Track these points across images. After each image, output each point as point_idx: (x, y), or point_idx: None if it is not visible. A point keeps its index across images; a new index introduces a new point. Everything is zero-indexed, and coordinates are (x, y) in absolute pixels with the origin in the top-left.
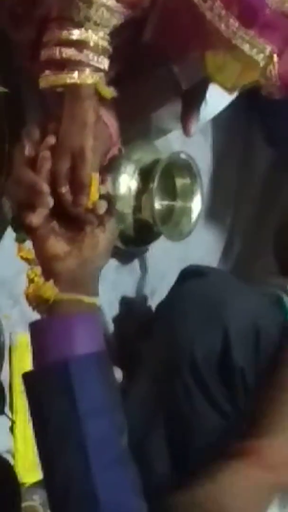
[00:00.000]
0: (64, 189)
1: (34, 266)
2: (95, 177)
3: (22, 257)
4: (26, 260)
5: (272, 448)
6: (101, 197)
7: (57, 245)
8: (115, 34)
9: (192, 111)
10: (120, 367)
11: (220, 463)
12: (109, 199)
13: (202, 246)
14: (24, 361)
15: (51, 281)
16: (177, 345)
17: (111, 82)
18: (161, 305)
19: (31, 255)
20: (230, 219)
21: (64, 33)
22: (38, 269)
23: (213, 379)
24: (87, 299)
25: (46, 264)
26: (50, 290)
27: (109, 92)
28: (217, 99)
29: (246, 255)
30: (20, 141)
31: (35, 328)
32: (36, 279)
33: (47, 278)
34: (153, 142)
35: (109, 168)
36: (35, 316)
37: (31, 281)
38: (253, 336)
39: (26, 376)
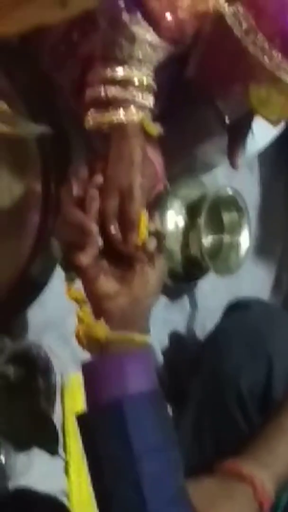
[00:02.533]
0: (114, 228)
1: (83, 306)
2: (144, 214)
3: (71, 297)
4: (75, 300)
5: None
6: (150, 234)
7: (107, 284)
8: (159, 71)
9: (238, 145)
10: (171, 403)
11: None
12: (158, 236)
13: (252, 281)
14: (76, 401)
15: (102, 321)
16: (224, 377)
17: (155, 119)
18: (208, 339)
19: (80, 295)
20: (279, 253)
21: (108, 71)
22: (87, 309)
23: (256, 409)
24: (138, 337)
25: (97, 304)
26: (101, 329)
27: (155, 129)
28: (263, 133)
29: None
30: (67, 181)
31: (87, 368)
32: (86, 318)
33: (98, 318)
34: (199, 177)
35: (156, 205)
36: (86, 356)
37: (80, 321)
38: None
39: (80, 417)
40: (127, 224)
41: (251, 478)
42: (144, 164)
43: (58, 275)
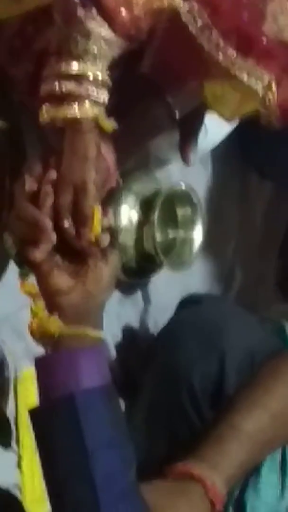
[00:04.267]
0: (67, 223)
1: (37, 300)
2: (97, 210)
3: (25, 292)
4: (29, 294)
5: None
6: (104, 229)
7: (61, 279)
8: (111, 67)
9: (190, 140)
10: (123, 397)
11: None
12: (112, 231)
13: (204, 277)
14: (29, 395)
15: (56, 315)
16: (176, 371)
17: (107, 114)
18: (160, 333)
19: (34, 289)
20: (231, 249)
21: (63, 66)
22: (41, 303)
23: (208, 404)
24: (92, 332)
25: (50, 299)
26: (55, 324)
27: (110, 125)
28: (216, 129)
29: (248, 285)
30: (21, 176)
31: (40, 363)
32: (39, 313)
33: (51, 313)
34: (153, 172)
35: (109, 201)
36: (40, 350)
37: (35, 315)
38: (248, 364)
39: (33, 412)
40: (81, 219)
41: (202, 479)
42: (97, 159)
43: (11, 268)
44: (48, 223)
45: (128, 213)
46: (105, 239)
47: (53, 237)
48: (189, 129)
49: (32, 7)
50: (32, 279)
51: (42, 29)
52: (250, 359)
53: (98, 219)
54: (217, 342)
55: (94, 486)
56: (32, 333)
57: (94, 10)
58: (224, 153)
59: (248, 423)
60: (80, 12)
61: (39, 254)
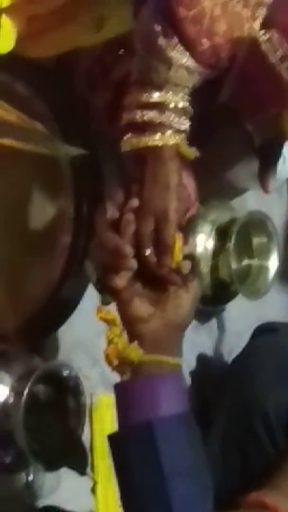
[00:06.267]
0: (149, 251)
1: (113, 327)
2: (179, 237)
3: (101, 318)
4: (106, 321)
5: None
6: (184, 257)
7: (142, 307)
8: (192, 95)
9: (269, 168)
10: (199, 425)
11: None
12: (192, 259)
13: (279, 305)
14: (104, 421)
15: (136, 343)
16: (250, 399)
17: (187, 142)
18: (235, 360)
19: (110, 316)
20: None
21: (145, 95)
22: (117, 330)
23: (282, 433)
24: (171, 360)
25: (131, 326)
26: (135, 352)
27: (191, 153)
28: None
29: None
30: (101, 204)
31: (120, 389)
32: (115, 339)
33: (131, 340)
34: (229, 201)
35: (189, 229)
36: (115, 376)
37: (110, 341)
38: None
39: (111, 438)
40: (162, 247)
41: (276, 508)
42: (179, 188)
43: (88, 295)
44: (130, 251)
45: (204, 242)
46: (186, 267)
47: (134, 264)
48: (269, 157)
49: (112, 35)
50: (108, 306)
51: (121, 58)
52: None
53: (179, 247)
54: None
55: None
56: (108, 360)
57: (175, 39)
58: None
59: None
60: (162, 41)
61: (120, 281)
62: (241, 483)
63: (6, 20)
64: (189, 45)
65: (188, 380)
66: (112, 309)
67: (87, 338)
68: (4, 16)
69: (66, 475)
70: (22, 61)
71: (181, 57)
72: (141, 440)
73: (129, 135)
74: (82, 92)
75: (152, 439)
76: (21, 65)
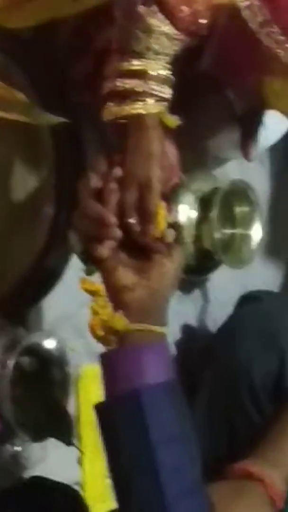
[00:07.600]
0: (133, 220)
1: (97, 298)
2: (162, 206)
3: (85, 289)
4: (90, 292)
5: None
6: (168, 226)
7: (126, 276)
8: (173, 63)
9: (251, 136)
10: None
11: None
12: (176, 227)
13: (263, 274)
14: (90, 392)
15: (121, 313)
16: (236, 368)
17: (168, 111)
18: (220, 330)
19: (95, 287)
20: None
21: (125, 64)
22: (101, 301)
23: (268, 401)
24: (157, 329)
25: (115, 296)
26: (120, 321)
27: (174, 121)
28: (275, 126)
29: None
30: (85, 174)
31: (106, 359)
32: (100, 310)
33: (116, 310)
34: (211, 171)
35: (172, 197)
36: (100, 348)
37: (95, 313)
38: None
39: (98, 407)
40: (146, 215)
41: (261, 478)
42: (161, 156)
43: (71, 267)
44: (114, 220)
45: (187, 211)
46: (170, 235)
47: (118, 233)
48: (250, 125)
49: (90, 5)
50: (92, 277)
51: (102, 27)
52: None
53: (163, 216)
54: (277, 338)
55: (159, 480)
56: (93, 331)
57: (155, 7)
58: (282, 150)
59: None
60: (141, 9)
61: (104, 250)
62: (227, 452)
63: None
64: (169, 12)
65: (173, 349)
66: (97, 281)
67: (72, 310)
68: None
69: (52, 446)
70: (0, 31)
71: (161, 25)
72: (128, 409)
73: (110, 104)
74: (61, 63)
75: (139, 407)
76: None
